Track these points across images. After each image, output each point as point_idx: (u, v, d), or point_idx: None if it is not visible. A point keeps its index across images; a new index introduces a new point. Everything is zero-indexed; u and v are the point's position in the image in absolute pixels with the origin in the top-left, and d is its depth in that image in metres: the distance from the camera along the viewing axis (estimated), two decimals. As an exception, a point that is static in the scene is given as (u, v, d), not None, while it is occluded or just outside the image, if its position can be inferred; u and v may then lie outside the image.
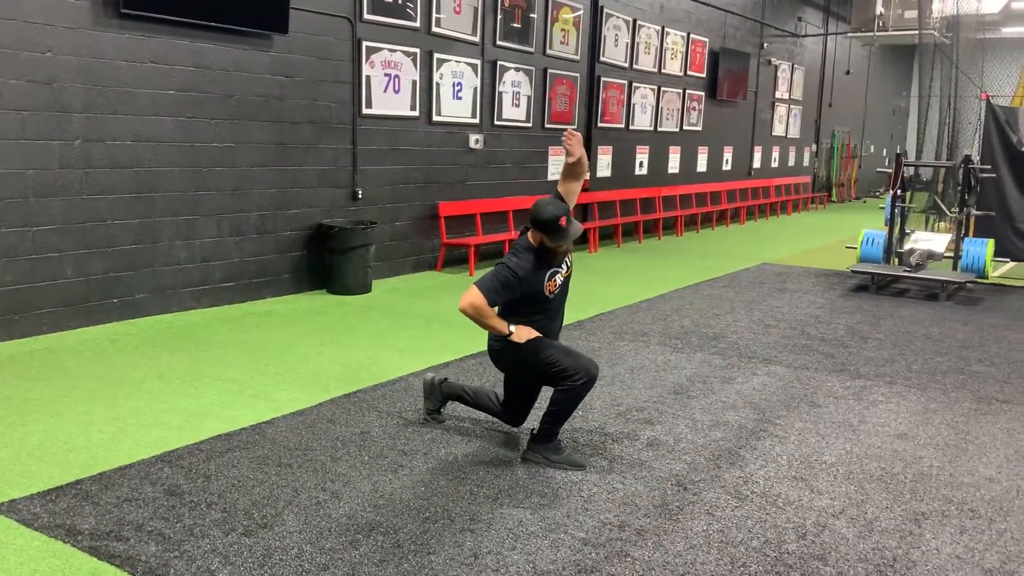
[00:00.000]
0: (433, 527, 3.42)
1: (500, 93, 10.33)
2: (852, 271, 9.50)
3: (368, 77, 8.50)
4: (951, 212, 10.21)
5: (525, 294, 3.98)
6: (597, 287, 8.90)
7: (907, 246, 9.69)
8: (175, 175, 6.96)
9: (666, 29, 13.90)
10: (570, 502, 3.69)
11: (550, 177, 11.38)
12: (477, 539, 3.33)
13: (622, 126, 13.12)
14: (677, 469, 4.09)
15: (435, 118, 9.39)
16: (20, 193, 6.02)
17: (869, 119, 25.00)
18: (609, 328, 7.04)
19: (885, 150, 26.96)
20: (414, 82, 9.05)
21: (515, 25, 10.43)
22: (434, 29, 9.20)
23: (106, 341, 6.15)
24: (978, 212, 9.78)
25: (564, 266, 4.09)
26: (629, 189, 13.33)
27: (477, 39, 9.85)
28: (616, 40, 12.62)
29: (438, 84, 9.36)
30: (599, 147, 12.62)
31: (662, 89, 14.04)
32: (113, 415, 4.63)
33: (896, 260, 9.75)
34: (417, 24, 8.99)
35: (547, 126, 11.28)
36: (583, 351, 5.31)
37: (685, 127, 14.99)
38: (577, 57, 11.76)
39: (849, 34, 20.77)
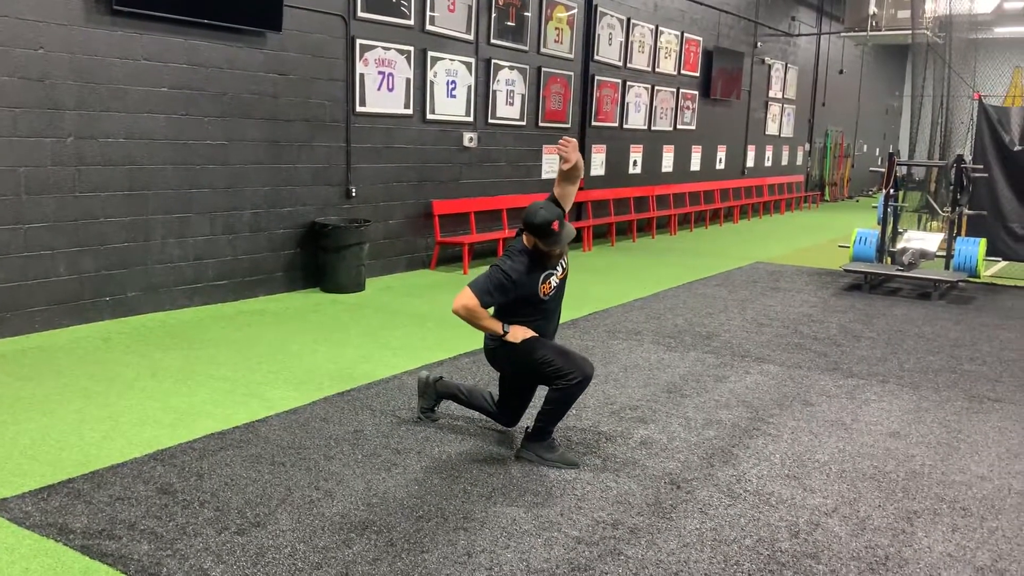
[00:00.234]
0: (427, 525, 3.41)
1: (494, 91, 10.32)
2: (845, 270, 9.52)
3: (362, 75, 8.49)
4: (943, 211, 10.25)
5: (519, 296, 3.98)
6: (591, 286, 8.91)
7: (900, 245, 9.72)
8: (168, 173, 6.94)
9: (660, 28, 13.91)
10: (564, 500, 3.69)
11: (544, 176, 11.38)
12: (471, 537, 3.33)
13: (616, 125, 13.13)
14: (670, 467, 4.10)
15: (429, 116, 9.38)
16: (12, 190, 5.99)
17: (862, 118, 25.07)
18: (603, 327, 7.04)
19: (878, 149, 27.04)
20: (408, 80, 9.03)
21: (509, 23, 10.42)
22: (428, 27, 9.19)
23: (98, 339, 6.13)
24: (970, 211, 9.82)
25: (559, 268, 4.09)
26: (623, 188, 13.35)
27: (471, 37, 9.84)
28: (610, 39, 12.62)
29: (432, 82, 9.35)
30: (593, 146, 12.63)
31: (656, 88, 14.05)
32: (105, 414, 4.61)
33: (889, 259, 9.78)
34: (411, 22, 8.98)
35: (541, 125, 11.28)
36: (577, 350, 5.32)
37: (679, 126, 15.00)
38: (571, 56, 11.76)
39: (842, 34, 20.82)
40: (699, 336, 6.85)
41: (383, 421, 4.60)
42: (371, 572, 3.05)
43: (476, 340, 6.36)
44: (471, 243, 9.70)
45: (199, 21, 6.89)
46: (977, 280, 9.72)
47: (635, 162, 13.87)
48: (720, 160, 16.86)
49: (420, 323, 6.99)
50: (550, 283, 4.04)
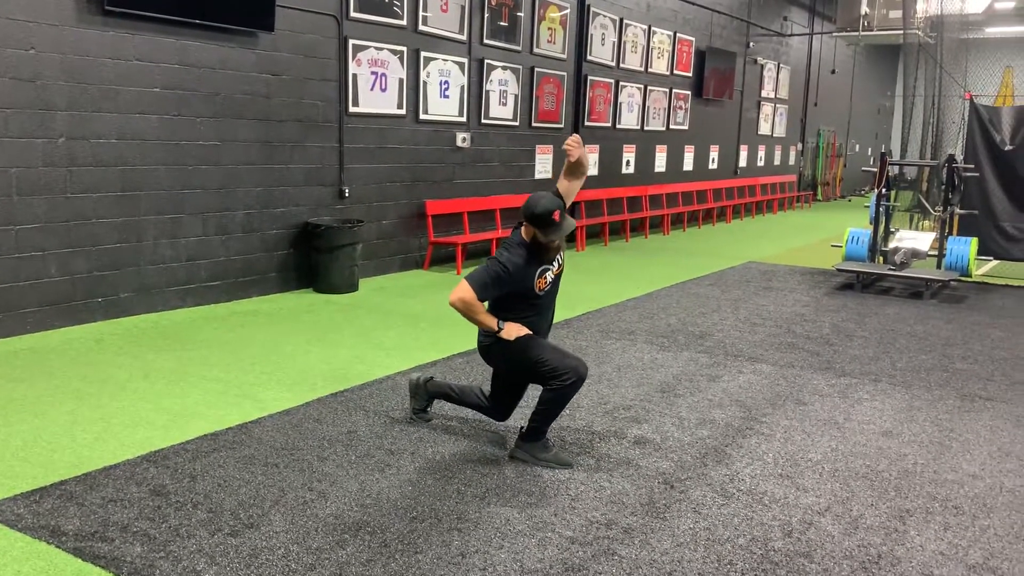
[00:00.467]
0: (420, 526, 3.41)
1: (487, 92, 10.32)
2: (837, 269, 9.55)
3: (355, 75, 8.48)
4: (935, 211, 10.28)
5: (515, 290, 3.97)
6: (584, 285, 8.91)
7: (892, 244, 9.76)
8: (160, 173, 6.92)
9: (652, 28, 13.93)
10: (557, 501, 3.69)
11: (537, 176, 11.38)
12: (464, 538, 3.33)
13: (609, 125, 13.14)
14: (664, 467, 4.11)
15: (422, 116, 9.37)
16: (3, 191, 5.97)
17: (854, 118, 25.13)
18: (596, 326, 7.05)
19: (870, 149, 27.11)
20: (401, 80, 9.03)
21: (502, 23, 10.43)
22: (421, 27, 9.18)
23: (91, 341, 6.11)
24: (962, 211, 9.86)
25: (555, 263, 4.08)
26: (616, 188, 13.36)
27: (464, 37, 9.84)
28: (603, 39, 12.63)
29: (425, 82, 9.35)
30: (586, 146, 12.62)
31: (648, 88, 14.07)
32: (98, 415, 4.60)
33: (881, 258, 9.81)
34: (404, 22, 8.97)
35: (534, 125, 11.28)
36: (571, 350, 5.32)
37: (671, 126, 15.02)
38: (564, 56, 11.77)
39: (834, 34, 20.88)
40: (692, 336, 6.86)
41: (377, 422, 4.60)
42: (365, 573, 3.05)
43: (469, 340, 6.36)
44: (464, 243, 9.70)
45: (191, 21, 6.87)
46: (968, 279, 9.76)
47: (628, 162, 13.88)
48: (713, 160, 16.89)
49: (414, 323, 6.98)
50: (546, 278, 4.03)
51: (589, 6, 12.12)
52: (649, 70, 14.01)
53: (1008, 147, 10.17)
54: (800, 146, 21.69)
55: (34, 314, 6.24)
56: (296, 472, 3.90)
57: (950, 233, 9.83)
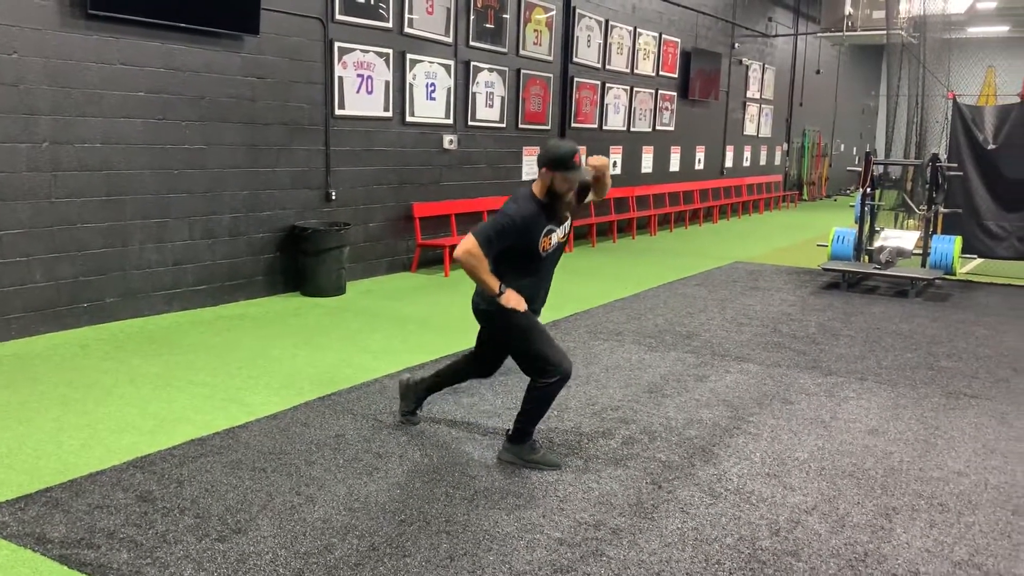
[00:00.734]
0: (408, 530, 3.41)
1: (473, 94, 10.33)
2: (823, 269, 9.60)
3: (340, 78, 8.46)
4: (919, 210, 10.35)
5: (519, 245, 3.88)
6: (572, 286, 8.92)
7: (877, 244, 9.81)
8: (145, 177, 6.89)
9: (638, 30, 13.97)
10: (546, 502, 3.70)
11: (524, 177, 11.39)
12: (453, 541, 3.33)
13: (595, 126, 13.16)
14: (652, 468, 4.12)
15: (408, 119, 9.37)
16: (-14, 197, 5.93)
17: (839, 118, 25.27)
18: (584, 327, 7.06)
19: (855, 149, 27.27)
20: (387, 83, 9.02)
21: (488, 26, 10.43)
22: (406, 30, 9.18)
23: (76, 346, 6.08)
24: (946, 210, 9.93)
25: (561, 229, 4.03)
26: (603, 189, 13.36)
27: (450, 40, 9.84)
28: (589, 41, 12.66)
29: (411, 85, 9.34)
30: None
31: (635, 89, 14.10)
32: (84, 421, 4.57)
33: (866, 258, 9.87)
34: (389, 25, 8.97)
35: (521, 127, 11.29)
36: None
37: (658, 127, 15.06)
38: (550, 58, 11.78)
39: (819, 34, 20.99)
40: (680, 336, 6.89)
41: (364, 425, 4.59)
42: (353, 577, 3.04)
43: (457, 343, 6.36)
44: (452, 245, 9.69)
45: (175, 25, 6.84)
46: (953, 278, 9.83)
47: (615, 163, 13.91)
48: (699, 160, 16.94)
49: (401, 326, 6.97)
50: (550, 239, 3.97)
51: (575, 8, 12.15)
52: (635, 71, 14.04)
53: (991, 146, 10.25)
54: (786, 146, 21.79)
55: (19, 320, 6.20)
56: (284, 476, 3.89)
57: (934, 232, 9.90)
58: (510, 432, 4.15)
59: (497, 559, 3.20)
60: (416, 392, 4.58)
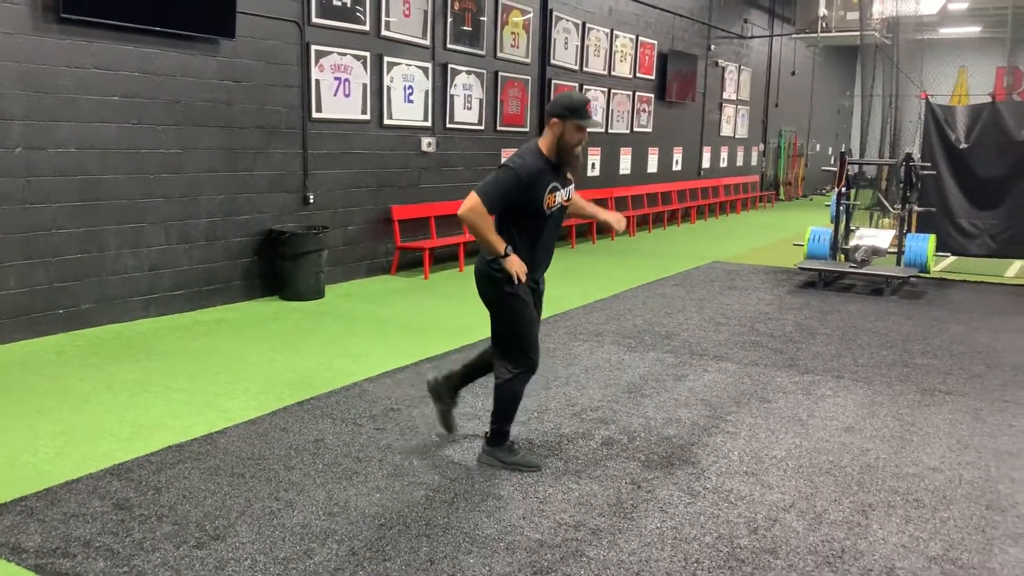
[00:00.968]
0: (388, 534, 3.41)
1: (452, 96, 10.33)
2: (800, 268, 9.68)
3: (317, 81, 8.44)
4: (894, 209, 10.47)
5: (523, 201, 3.79)
6: (552, 287, 8.87)
7: (852, 243, 9.91)
8: (121, 182, 6.84)
9: (615, 32, 14.03)
10: (525, 504, 3.71)
11: (503, 179, 11.38)
12: (433, 544, 3.33)
13: (573, 128, 13.17)
14: (631, 468, 4.14)
15: (386, 121, 9.35)
16: (-42, 203, 5.86)
17: (815, 118, 25.49)
18: (564, 328, 7.08)
19: (831, 149, 27.50)
20: (364, 86, 9.00)
21: (465, 28, 10.44)
22: (384, 32, 9.16)
23: (51, 353, 6.02)
24: (920, 208, 10.04)
25: (566, 191, 3.97)
26: (581, 191, 13.33)
27: (427, 42, 9.83)
28: (566, 43, 12.70)
29: (389, 87, 9.33)
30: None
31: (612, 91, 14.15)
32: (59, 429, 4.53)
33: (842, 256, 9.96)
34: (366, 28, 8.95)
35: (499, 129, 11.30)
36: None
37: (635, 128, 15.13)
38: (528, 60, 11.81)
39: (794, 35, 21.16)
40: (658, 336, 6.92)
41: (344, 430, 4.58)
42: (333, 581, 3.04)
43: (438, 346, 6.36)
44: (432, 248, 9.68)
45: (150, 28, 6.80)
46: (927, 275, 9.94)
47: (593, 164, 13.95)
48: (677, 162, 17.03)
49: (381, 329, 6.96)
50: (555, 197, 3.90)
51: (552, 10, 12.18)
52: (612, 73, 14.10)
53: (963, 145, 10.38)
54: (762, 147, 21.94)
55: (-8, 327, 6.13)
56: (262, 482, 3.87)
57: (909, 230, 10.01)
58: (487, 435, 4.15)
59: (477, 561, 3.20)
60: (449, 387, 4.40)
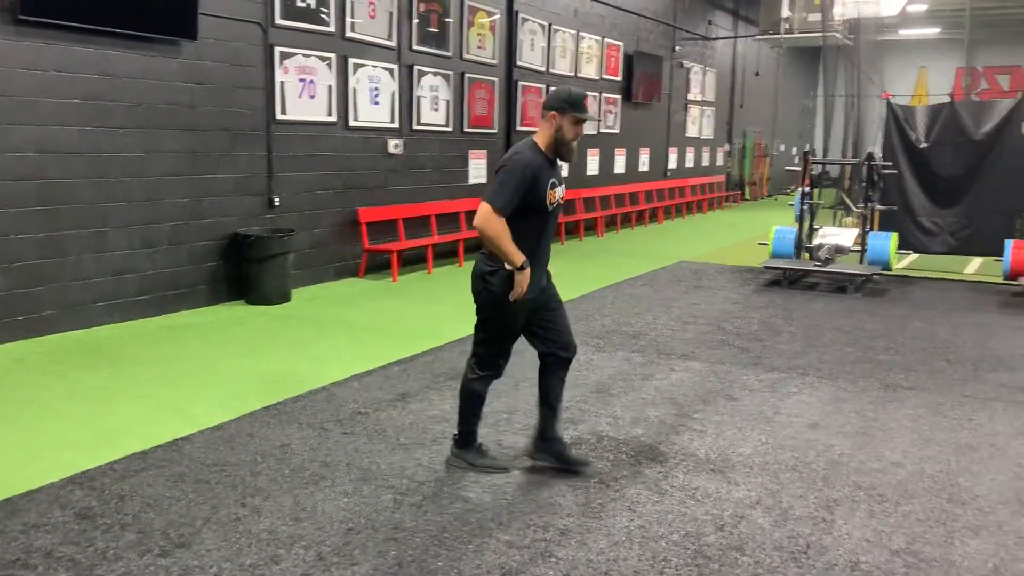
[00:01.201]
0: (356, 538, 3.39)
1: (418, 98, 10.30)
2: (765, 267, 9.78)
3: (282, 83, 8.37)
4: (856, 207, 10.61)
5: (528, 199, 3.73)
6: (519, 290, 8.93)
7: (816, 241, 10.03)
8: (82, 186, 6.73)
9: (581, 33, 14.08)
10: (494, 505, 3.71)
11: (471, 181, 11.40)
12: (401, 548, 3.32)
13: (541, 129, 13.20)
14: (599, 467, 4.15)
15: (352, 123, 9.30)
16: (-87, 208, 5.73)
17: (779, 119, 25.78)
18: (532, 330, 7.08)
19: (795, 149, 27.82)
20: (330, 87, 8.95)
21: (431, 30, 10.42)
22: (348, 34, 9.11)
23: (11, 360, 5.90)
24: (882, 207, 10.20)
25: (561, 188, 3.93)
26: (549, 191, 13.42)
27: (393, 44, 9.80)
28: (532, 44, 12.72)
29: (354, 89, 9.28)
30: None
31: (579, 92, 14.18)
32: (20, 438, 4.45)
33: (806, 255, 10.08)
34: (331, 29, 8.90)
35: (467, 130, 11.29)
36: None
37: (602, 130, 15.19)
38: (495, 61, 11.81)
39: (757, 37, 21.37)
40: (626, 336, 6.95)
41: (311, 434, 4.55)
42: (301, 587, 3.01)
43: (406, 348, 6.34)
44: (400, 250, 9.65)
45: (110, 30, 6.70)
46: (890, 273, 10.09)
47: (561, 166, 13.96)
48: (643, 162, 17.13)
49: (349, 332, 6.92)
50: (555, 193, 3.87)
51: (518, 12, 12.19)
52: (579, 75, 14.14)
53: (923, 145, 10.57)
54: (728, 147, 22.14)
55: (-50, 335, 6.01)
56: (228, 488, 3.83)
57: (871, 229, 10.15)
58: (455, 437, 4.15)
59: (446, 564, 3.20)
60: (546, 437, 4.13)
